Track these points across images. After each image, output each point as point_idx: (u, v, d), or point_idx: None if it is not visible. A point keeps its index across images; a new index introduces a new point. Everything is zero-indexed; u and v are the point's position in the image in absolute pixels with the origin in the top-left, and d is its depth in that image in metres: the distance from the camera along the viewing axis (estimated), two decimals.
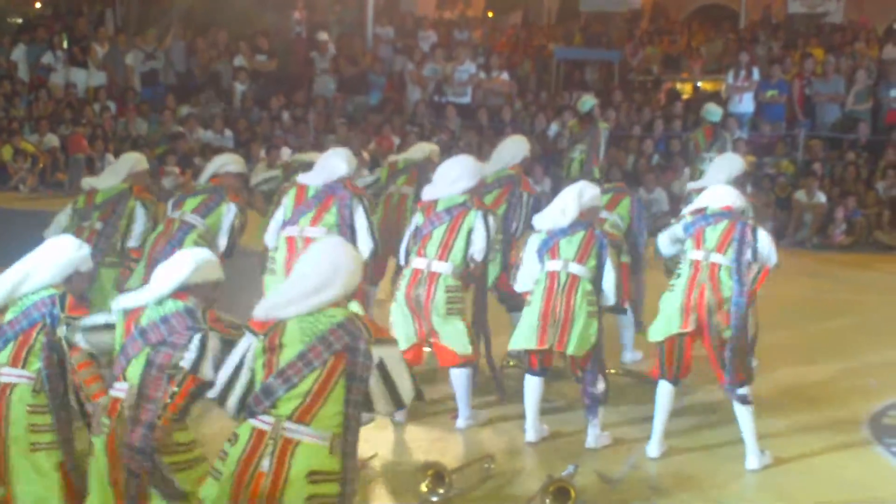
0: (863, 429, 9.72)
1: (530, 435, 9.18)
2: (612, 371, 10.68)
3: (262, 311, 5.71)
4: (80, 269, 6.83)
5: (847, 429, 9.69)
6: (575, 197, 9.14)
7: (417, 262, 9.38)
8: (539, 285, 9.04)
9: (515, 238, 10.79)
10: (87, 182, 11.08)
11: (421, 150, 12.70)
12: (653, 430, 8.97)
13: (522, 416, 9.28)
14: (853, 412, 10.09)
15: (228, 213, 10.23)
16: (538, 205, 10.16)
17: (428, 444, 9.08)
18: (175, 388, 6.04)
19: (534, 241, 9.19)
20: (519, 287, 9.39)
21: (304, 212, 9.86)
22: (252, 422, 5.61)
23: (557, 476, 7.92)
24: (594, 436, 9.11)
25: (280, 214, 10.07)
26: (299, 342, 5.59)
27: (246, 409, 5.67)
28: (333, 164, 10.12)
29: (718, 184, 9.77)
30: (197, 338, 6.09)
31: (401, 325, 9.35)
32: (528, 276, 9.21)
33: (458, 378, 9.33)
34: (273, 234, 10.09)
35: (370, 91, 24.15)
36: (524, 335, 9.07)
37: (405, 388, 5.73)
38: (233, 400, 5.75)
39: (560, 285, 8.93)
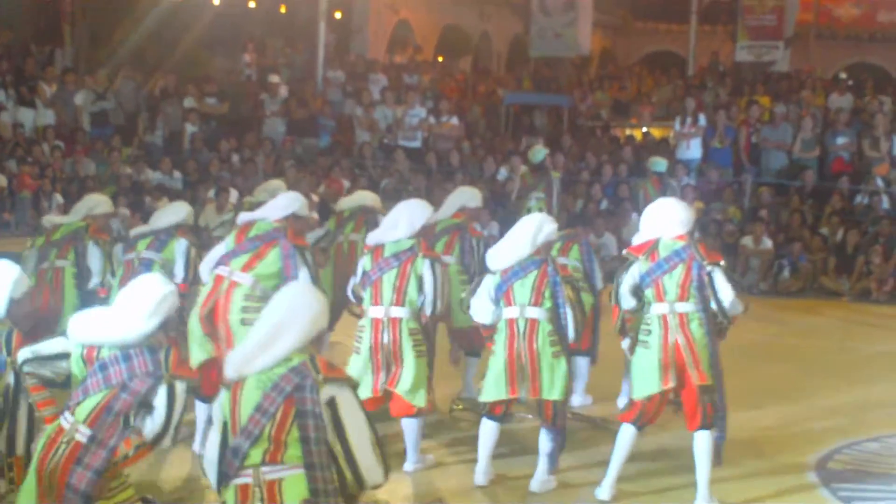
0: (810, 473, 9.74)
1: (480, 478, 9.11)
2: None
3: (233, 371, 5.60)
4: (14, 297, 6.71)
5: (794, 473, 9.71)
6: (532, 232, 9.03)
7: (375, 311, 9.24)
8: (500, 335, 8.96)
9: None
10: (49, 220, 11.08)
11: (365, 197, 12.79)
12: (607, 473, 8.90)
13: (472, 459, 9.24)
14: (800, 457, 10.11)
15: (180, 245, 10.26)
16: (487, 248, 10.11)
17: None
18: (130, 452, 5.95)
19: (489, 281, 9.10)
20: (474, 315, 9.20)
21: (239, 253, 9.44)
22: (234, 482, 5.55)
23: None
24: (540, 481, 9.08)
25: (220, 249, 9.69)
26: (256, 391, 5.53)
27: (223, 476, 5.60)
28: (279, 202, 9.92)
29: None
30: (163, 393, 5.95)
31: (359, 377, 9.05)
32: (482, 308, 9.06)
33: (410, 426, 9.30)
34: (207, 269, 9.67)
35: (320, 134, 24.17)
36: (494, 387, 8.95)
37: (362, 451, 5.57)
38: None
39: (520, 332, 8.87)
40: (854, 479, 9.68)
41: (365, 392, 8.91)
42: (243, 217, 9.88)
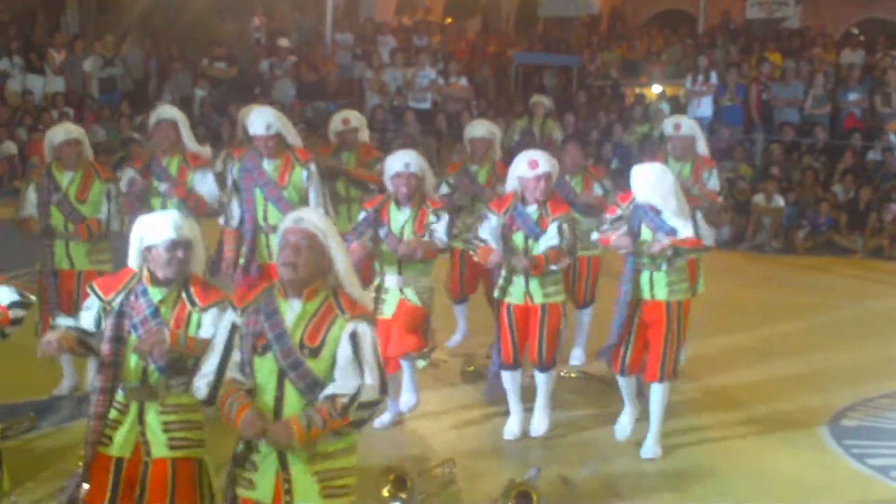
0: (822, 429, 9.75)
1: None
2: (573, 375, 10.74)
3: None
4: None
5: (807, 429, 9.72)
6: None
7: None
8: None
9: None
10: None
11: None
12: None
13: (483, 420, 9.43)
14: (812, 414, 10.11)
15: None
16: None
17: (389, 448, 9.02)
18: None
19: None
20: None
21: None
22: None
23: (519, 480, 7.91)
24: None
25: None
26: None
27: None
28: None
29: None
30: None
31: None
32: None
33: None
34: None
35: (330, 97, 24.10)
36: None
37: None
38: None
39: None
40: (867, 435, 9.68)
41: None
42: None
